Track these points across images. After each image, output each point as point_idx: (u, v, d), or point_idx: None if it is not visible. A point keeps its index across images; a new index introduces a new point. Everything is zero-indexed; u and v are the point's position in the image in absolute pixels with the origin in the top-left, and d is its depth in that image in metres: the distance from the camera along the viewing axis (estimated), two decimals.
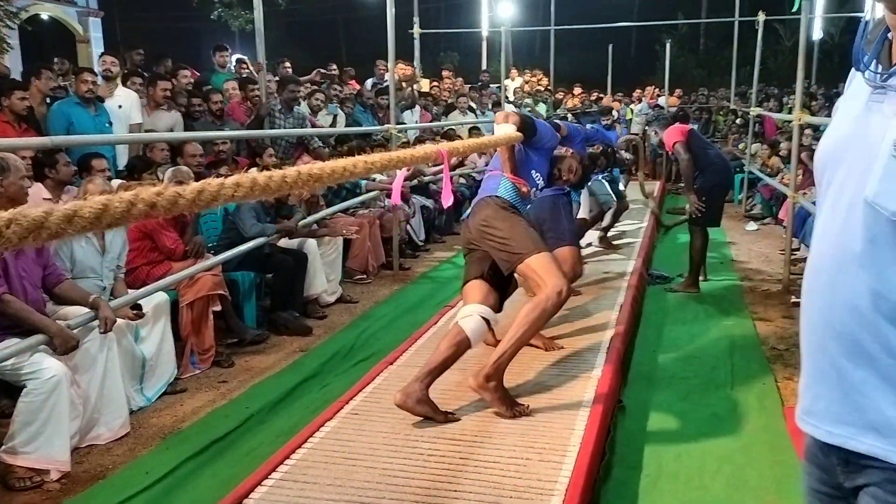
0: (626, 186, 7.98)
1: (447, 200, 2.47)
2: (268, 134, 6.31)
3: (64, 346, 3.07)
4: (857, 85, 1.18)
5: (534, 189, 3.61)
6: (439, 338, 3.99)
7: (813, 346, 1.21)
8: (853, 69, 1.21)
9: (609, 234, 7.12)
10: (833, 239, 1.14)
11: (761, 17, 9.53)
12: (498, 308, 3.47)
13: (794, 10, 6.03)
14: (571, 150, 3.97)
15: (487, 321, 3.32)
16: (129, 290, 3.86)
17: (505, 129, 3.32)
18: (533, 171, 3.60)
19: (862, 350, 1.10)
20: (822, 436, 1.18)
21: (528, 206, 3.68)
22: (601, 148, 6.11)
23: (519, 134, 3.35)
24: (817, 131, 7.86)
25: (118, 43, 18.88)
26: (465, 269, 3.53)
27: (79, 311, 3.32)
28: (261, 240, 4.81)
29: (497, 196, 3.42)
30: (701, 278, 5.95)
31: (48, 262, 3.35)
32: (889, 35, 1.13)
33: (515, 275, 3.45)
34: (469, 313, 3.29)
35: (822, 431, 1.18)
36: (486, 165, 8.74)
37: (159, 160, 5.55)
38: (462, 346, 3.22)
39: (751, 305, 5.50)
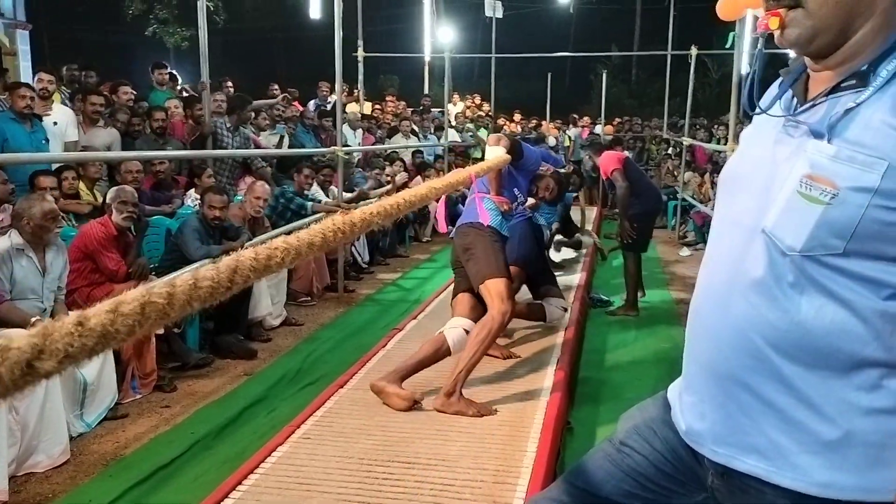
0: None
1: (485, 219, 3.40)
2: (212, 154, 6.23)
3: None
4: (763, 117, 1.22)
5: (515, 204, 3.92)
6: (389, 361, 4.02)
7: (700, 366, 1.24)
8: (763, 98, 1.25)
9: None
10: (728, 263, 1.17)
11: (694, 51, 9.93)
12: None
13: (728, 46, 6.35)
14: (552, 170, 4.21)
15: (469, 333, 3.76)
16: (70, 313, 3.73)
17: (496, 151, 3.58)
18: (515, 190, 3.92)
19: (748, 375, 1.14)
20: (707, 453, 1.21)
21: (510, 223, 4.01)
22: (573, 168, 6.38)
23: (508, 156, 3.60)
24: None
25: (46, 56, 18.33)
26: (455, 282, 3.97)
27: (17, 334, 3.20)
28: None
29: (479, 223, 3.66)
30: (640, 294, 6.13)
31: None
32: (807, 70, 1.17)
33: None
34: (455, 325, 3.65)
35: (707, 450, 1.21)
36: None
37: (94, 175, 5.46)
38: (441, 351, 3.59)
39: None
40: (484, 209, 3.64)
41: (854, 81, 1.08)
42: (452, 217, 5.77)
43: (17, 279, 3.47)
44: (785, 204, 1.07)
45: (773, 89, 1.25)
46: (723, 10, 5.10)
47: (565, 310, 4.85)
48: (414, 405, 3.49)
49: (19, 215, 3.56)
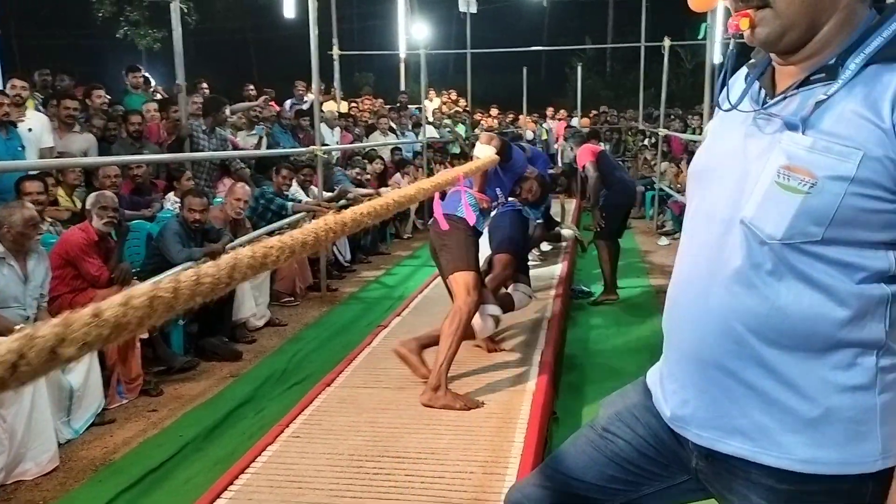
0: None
1: (471, 219, 3.50)
2: (190, 157, 6.20)
3: None
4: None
5: (494, 202, 3.98)
6: (375, 359, 4.05)
7: (682, 355, 1.27)
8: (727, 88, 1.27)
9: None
10: (706, 254, 1.20)
11: (667, 42, 10.02)
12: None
13: (700, 37, 6.44)
14: (537, 172, 4.27)
15: (496, 319, 3.99)
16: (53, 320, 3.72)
17: (485, 150, 3.63)
18: (498, 189, 3.98)
19: (730, 361, 1.17)
20: (692, 437, 1.25)
21: (487, 220, 4.08)
22: (562, 170, 6.49)
23: (497, 157, 3.64)
24: None
25: (16, 62, 18.07)
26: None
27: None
28: (188, 264, 4.72)
29: (458, 216, 3.70)
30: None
31: None
32: (772, 63, 1.21)
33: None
34: (481, 312, 3.77)
35: (691, 434, 1.25)
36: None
37: (73, 182, 5.43)
38: (467, 334, 3.69)
39: None
40: (466, 203, 3.68)
41: (823, 74, 1.11)
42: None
43: None
44: (763, 194, 1.11)
45: (740, 82, 1.28)
46: (694, 2, 5.14)
47: (531, 297, 4.83)
48: (425, 370, 3.65)
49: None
